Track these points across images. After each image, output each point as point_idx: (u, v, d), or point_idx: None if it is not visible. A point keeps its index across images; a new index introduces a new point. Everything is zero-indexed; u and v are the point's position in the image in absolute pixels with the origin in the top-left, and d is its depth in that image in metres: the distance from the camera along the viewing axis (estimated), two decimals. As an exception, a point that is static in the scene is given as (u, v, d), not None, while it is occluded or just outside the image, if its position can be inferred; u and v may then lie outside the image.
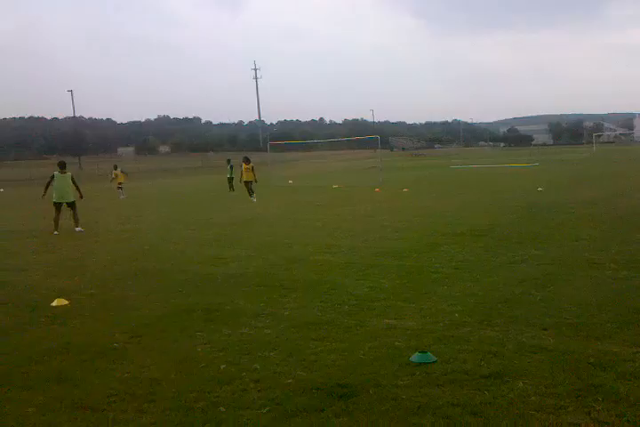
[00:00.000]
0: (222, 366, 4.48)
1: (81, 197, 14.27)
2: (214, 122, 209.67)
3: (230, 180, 27.13)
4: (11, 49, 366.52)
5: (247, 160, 22.06)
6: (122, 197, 25.77)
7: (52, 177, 13.74)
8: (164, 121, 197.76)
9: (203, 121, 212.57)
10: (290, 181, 33.12)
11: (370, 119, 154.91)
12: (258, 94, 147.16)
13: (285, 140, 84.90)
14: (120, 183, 26.90)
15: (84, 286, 7.69)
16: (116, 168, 27.66)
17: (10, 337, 5.52)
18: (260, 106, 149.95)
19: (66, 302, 6.77)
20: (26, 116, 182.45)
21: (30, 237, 13.16)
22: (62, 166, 13.93)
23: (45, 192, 13.86)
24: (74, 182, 13.88)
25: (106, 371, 4.50)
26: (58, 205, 13.72)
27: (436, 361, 4.38)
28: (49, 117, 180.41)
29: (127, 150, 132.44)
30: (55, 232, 13.39)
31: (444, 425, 3.38)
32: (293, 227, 13.23)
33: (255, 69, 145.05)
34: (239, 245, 10.93)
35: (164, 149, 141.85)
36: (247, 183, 21.57)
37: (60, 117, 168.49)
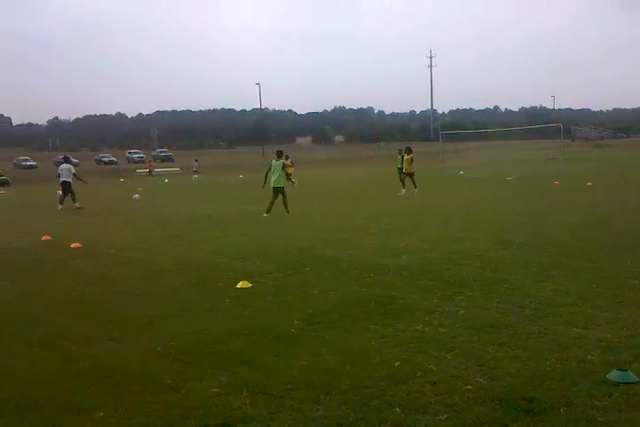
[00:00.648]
0: (397, 364, 4.38)
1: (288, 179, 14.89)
2: (387, 112, 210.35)
3: (400, 170, 26.97)
4: (205, 46, 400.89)
5: (409, 150, 21.55)
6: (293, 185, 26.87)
7: (270, 165, 14.79)
8: (339, 111, 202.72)
9: (376, 111, 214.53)
10: (461, 172, 32.14)
11: (550, 106, 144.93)
12: (432, 83, 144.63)
13: (457, 129, 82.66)
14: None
15: (267, 270, 8.09)
16: (287, 158, 28.64)
17: (200, 316, 5.95)
18: (433, 94, 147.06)
19: (249, 285, 7.15)
20: (218, 108, 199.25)
21: (224, 222, 14.21)
22: (279, 154, 15.05)
23: (265, 181, 14.92)
24: (283, 169, 14.83)
25: (284, 356, 4.64)
26: (273, 190, 14.77)
27: (638, 382, 3.88)
28: (238, 109, 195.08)
29: (305, 140, 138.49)
30: (265, 215, 14.41)
31: (654, 461, 2.96)
32: (466, 220, 12.75)
33: (430, 57, 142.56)
34: (410, 236, 10.77)
35: (338, 138, 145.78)
36: (406, 175, 20.95)
37: (248, 109, 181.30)
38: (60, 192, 19.59)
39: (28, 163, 69.52)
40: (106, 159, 74.41)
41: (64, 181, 19.22)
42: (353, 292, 6.71)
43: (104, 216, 16.78)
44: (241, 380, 4.18)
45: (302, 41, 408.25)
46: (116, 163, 70.14)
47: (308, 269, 8.13)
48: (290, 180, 27.38)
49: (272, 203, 14.60)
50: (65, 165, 19.77)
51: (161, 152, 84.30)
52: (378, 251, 9.35)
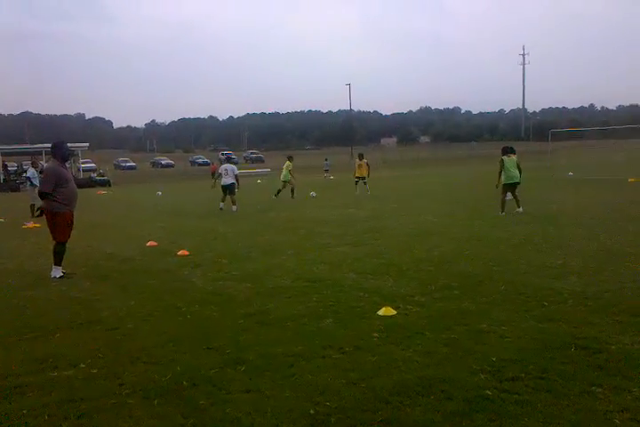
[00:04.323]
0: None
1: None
2: (474, 111, 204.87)
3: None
4: (291, 49, 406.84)
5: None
6: (357, 192, 23.06)
7: (502, 161, 14.70)
8: (425, 112, 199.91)
9: (462, 111, 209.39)
10: (570, 173, 29.63)
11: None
12: (524, 81, 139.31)
13: (549, 129, 78.38)
14: (359, 177, 23.42)
15: (406, 292, 6.73)
16: (360, 158, 23.91)
17: (348, 357, 4.64)
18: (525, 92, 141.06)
19: (393, 312, 5.83)
20: (305, 110, 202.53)
21: (330, 225, 13.03)
22: (507, 151, 14.89)
23: (499, 179, 14.69)
24: (518, 165, 14.74)
25: (494, 438, 3.26)
26: (508, 187, 14.74)
27: None
28: (324, 111, 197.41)
29: (390, 141, 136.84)
30: (501, 213, 14.32)
31: None
32: (620, 231, 10.84)
33: (523, 55, 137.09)
34: (561, 250, 9.11)
35: (424, 139, 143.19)
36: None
37: (334, 110, 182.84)
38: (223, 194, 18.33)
39: (127, 164, 72.15)
40: (200, 160, 76.46)
41: (225, 185, 17.94)
42: (534, 328, 5.22)
43: (206, 218, 16.03)
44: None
45: (387, 41, 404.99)
46: (209, 164, 71.78)
47: (456, 291, 6.71)
48: (364, 182, 23.80)
49: (516, 198, 14.66)
50: (228, 166, 18.36)
51: (252, 153, 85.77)
52: (532, 269, 7.79)
